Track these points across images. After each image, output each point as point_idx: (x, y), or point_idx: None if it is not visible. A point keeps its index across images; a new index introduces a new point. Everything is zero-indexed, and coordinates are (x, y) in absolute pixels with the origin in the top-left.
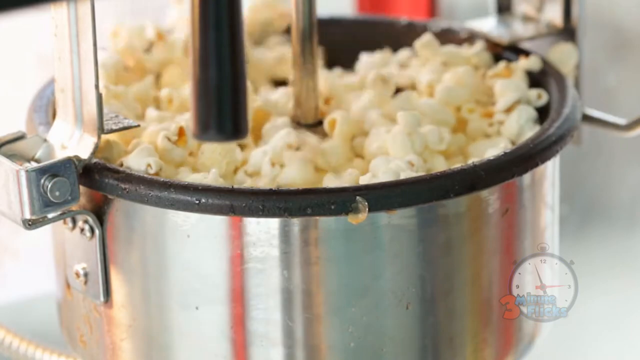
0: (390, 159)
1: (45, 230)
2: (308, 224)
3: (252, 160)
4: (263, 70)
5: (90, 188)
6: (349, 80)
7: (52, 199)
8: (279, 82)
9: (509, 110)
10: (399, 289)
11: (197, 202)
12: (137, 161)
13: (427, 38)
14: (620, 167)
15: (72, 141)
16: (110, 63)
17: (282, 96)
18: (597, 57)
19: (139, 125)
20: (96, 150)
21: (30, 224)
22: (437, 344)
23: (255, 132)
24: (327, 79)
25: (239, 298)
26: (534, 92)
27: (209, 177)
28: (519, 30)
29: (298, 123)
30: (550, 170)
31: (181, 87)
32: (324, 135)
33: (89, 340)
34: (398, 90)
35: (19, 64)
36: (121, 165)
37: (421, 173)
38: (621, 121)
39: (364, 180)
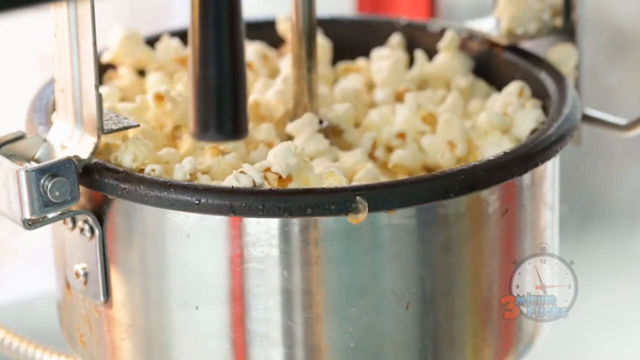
0: None
1: (45, 230)
2: (308, 224)
3: None
4: None
5: (90, 188)
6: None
7: (52, 199)
8: None
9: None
10: (399, 289)
11: (197, 202)
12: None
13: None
14: (620, 167)
15: (72, 141)
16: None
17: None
18: (597, 57)
19: (138, 125)
20: (96, 150)
21: (30, 224)
22: (437, 344)
23: None
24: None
25: (238, 298)
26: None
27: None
28: (519, 30)
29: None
30: (550, 170)
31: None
32: (325, 134)
33: (89, 340)
34: None
35: (19, 64)
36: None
37: None
38: (621, 121)
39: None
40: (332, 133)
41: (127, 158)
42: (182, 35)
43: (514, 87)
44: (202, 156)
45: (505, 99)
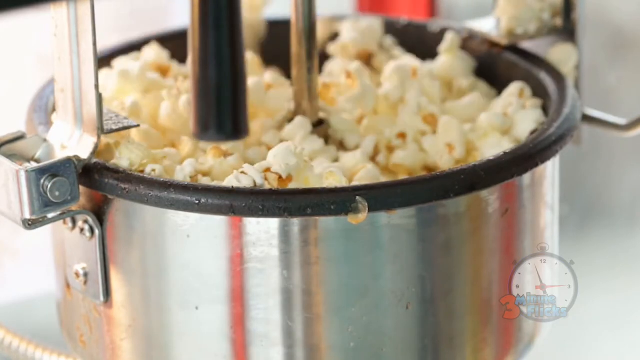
0: None
1: (45, 230)
2: (308, 224)
3: None
4: None
5: (90, 188)
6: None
7: (52, 199)
8: None
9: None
10: (399, 289)
11: (197, 202)
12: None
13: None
14: (620, 167)
15: (72, 141)
16: None
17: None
18: (597, 57)
19: (138, 125)
20: (96, 150)
21: (30, 224)
22: (437, 344)
23: None
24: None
25: (238, 298)
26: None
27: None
28: (519, 30)
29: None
30: (550, 170)
31: None
32: (324, 134)
33: (89, 340)
34: None
35: (19, 64)
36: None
37: None
38: (621, 121)
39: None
40: (327, 134)
41: (124, 164)
42: (176, 37)
43: (514, 88)
44: (203, 157)
45: (506, 100)
